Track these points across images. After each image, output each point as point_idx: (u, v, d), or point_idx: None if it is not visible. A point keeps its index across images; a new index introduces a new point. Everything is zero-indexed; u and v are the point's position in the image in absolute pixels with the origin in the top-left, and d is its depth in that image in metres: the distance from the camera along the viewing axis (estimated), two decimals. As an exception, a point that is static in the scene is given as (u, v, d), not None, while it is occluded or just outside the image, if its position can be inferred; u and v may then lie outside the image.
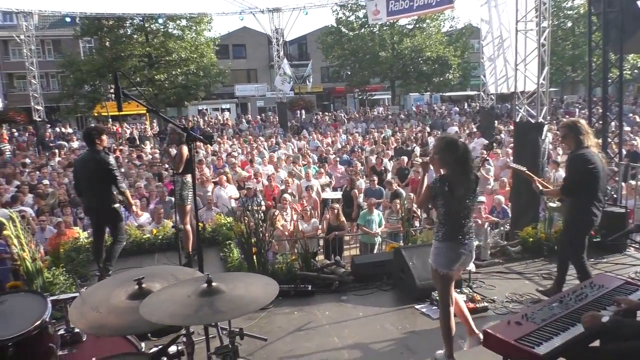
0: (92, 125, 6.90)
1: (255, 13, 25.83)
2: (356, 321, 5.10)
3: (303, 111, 31.82)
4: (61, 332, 2.61)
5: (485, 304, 5.21)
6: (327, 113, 35.25)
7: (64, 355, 2.53)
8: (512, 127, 14.01)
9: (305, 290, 5.74)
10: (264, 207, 9.36)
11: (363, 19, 34.12)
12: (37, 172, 14.24)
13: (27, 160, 17.15)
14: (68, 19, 25.41)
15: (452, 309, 3.96)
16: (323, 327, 4.99)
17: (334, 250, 8.70)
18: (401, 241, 7.83)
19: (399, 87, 39.29)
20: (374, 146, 16.70)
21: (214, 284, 2.29)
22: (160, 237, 7.73)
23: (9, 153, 20.38)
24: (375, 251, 8.94)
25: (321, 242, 9.34)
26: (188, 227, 6.60)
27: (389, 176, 12.39)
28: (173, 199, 8.82)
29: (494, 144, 13.69)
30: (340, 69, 39.82)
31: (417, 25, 36.16)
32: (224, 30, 43.88)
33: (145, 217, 9.45)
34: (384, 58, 34.80)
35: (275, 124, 27.76)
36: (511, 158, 10.67)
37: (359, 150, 16.23)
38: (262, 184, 11.66)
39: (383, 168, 12.95)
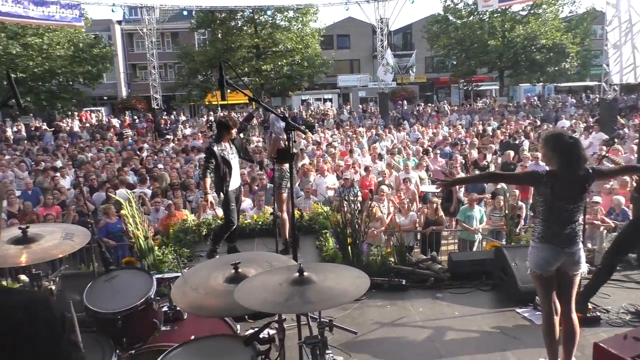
0: (229, 115, 7.18)
1: (360, 3, 25.73)
2: (451, 320, 4.93)
3: (405, 102, 31.31)
4: (164, 309, 2.77)
5: (598, 313, 4.79)
6: (429, 104, 34.41)
7: (166, 331, 2.68)
8: (637, 121, 12.72)
9: (399, 285, 5.65)
10: (360, 198, 9.34)
11: (472, 6, 32.70)
12: (154, 157, 15.38)
13: (145, 145, 18.57)
14: (185, 12, 27.09)
15: (555, 318, 3.66)
16: (416, 323, 4.88)
17: (430, 245, 8.48)
18: (503, 240, 7.45)
19: (508, 77, 37.24)
20: (475, 139, 16.00)
21: (305, 273, 2.30)
22: (260, 222, 8.01)
23: (131, 138, 22.22)
24: (474, 249, 8.59)
25: (418, 236, 9.15)
26: (285, 214, 6.75)
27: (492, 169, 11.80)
28: (273, 186, 9.13)
29: (615, 140, 12.51)
30: (445, 59, 38.54)
31: (532, 12, 33.92)
32: (329, 20, 44.19)
33: (247, 202, 9.84)
34: (493, 47, 33.11)
35: (376, 115, 27.60)
36: (635, 156, 9.70)
37: (463, 144, 15.63)
38: (360, 174, 11.64)
39: (486, 163, 12.37)
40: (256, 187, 10.74)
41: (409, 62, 32.39)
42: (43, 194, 10.63)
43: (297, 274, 2.29)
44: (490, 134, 17.02)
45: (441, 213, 9.08)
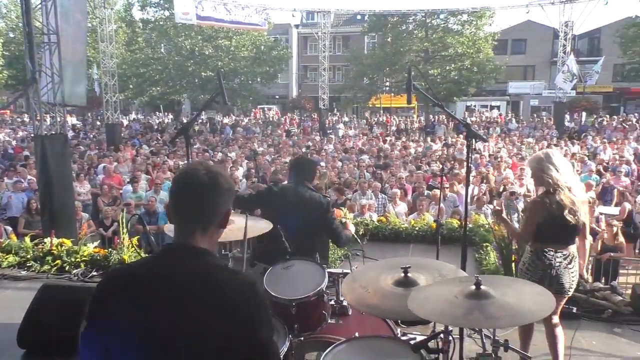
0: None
1: (544, 5, 23.92)
2: (632, 360, 4.37)
3: (584, 113, 28.41)
4: (331, 302, 2.88)
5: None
6: (615, 117, 30.76)
7: (332, 324, 2.78)
8: None
9: (569, 312, 5.14)
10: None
11: (679, 7, 28.35)
12: (317, 155, 16.09)
13: (309, 144, 19.52)
14: (359, 16, 27.89)
15: None
16: (587, 357, 4.42)
17: (605, 273, 7.63)
18: None
19: None
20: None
21: (482, 287, 2.20)
22: (417, 228, 7.96)
23: (297, 137, 23.60)
24: (663, 283, 7.51)
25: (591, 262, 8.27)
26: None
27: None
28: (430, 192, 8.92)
29: None
30: (640, 67, 33.96)
31: None
32: (505, 24, 41.88)
33: (402, 207, 9.81)
34: None
35: (549, 126, 25.50)
36: None
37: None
38: (527, 188, 10.85)
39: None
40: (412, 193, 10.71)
41: (593, 68, 29.10)
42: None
43: (473, 287, 2.20)
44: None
45: (621, 239, 8.12)
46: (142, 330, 1.47)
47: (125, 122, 29.82)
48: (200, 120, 31.10)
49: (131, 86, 32.11)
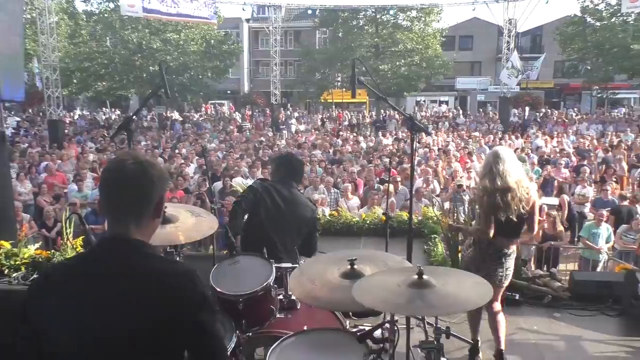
0: None
1: (488, 3, 24.65)
2: (570, 343, 4.60)
3: (527, 108, 29.52)
4: (280, 297, 2.88)
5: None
6: (556, 111, 32.11)
7: (281, 318, 2.79)
8: None
9: (513, 299, 5.36)
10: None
11: (615, 7, 29.75)
12: (270, 150, 16.05)
13: (262, 139, 19.42)
14: (310, 11, 27.88)
15: None
16: (529, 341, 4.63)
17: (546, 261, 7.98)
18: (632, 263, 6.81)
19: (652, 85, 33.43)
20: (610, 152, 14.66)
21: (424, 276, 2.27)
22: (368, 221, 8.08)
23: (249, 132, 23.41)
24: (598, 269, 7.95)
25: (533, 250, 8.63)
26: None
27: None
28: (381, 186, 9.03)
29: None
30: (578, 64, 35.53)
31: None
32: (453, 21, 42.83)
33: (354, 201, 9.94)
34: (637, 51, 29.78)
35: (495, 120, 26.38)
36: None
37: (591, 155, 14.43)
38: (475, 180, 11.20)
39: (615, 178, 11.32)
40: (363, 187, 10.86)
41: (534, 65, 30.23)
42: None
43: (415, 277, 2.26)
44: (625, 146, 15.51)
45: (560, 227, 8.52)
46: (80, 330, 1.44)
47: (70, 119, 28.68)
48: (149, 116, 30.36)
49: (75, 81, 30.82)
